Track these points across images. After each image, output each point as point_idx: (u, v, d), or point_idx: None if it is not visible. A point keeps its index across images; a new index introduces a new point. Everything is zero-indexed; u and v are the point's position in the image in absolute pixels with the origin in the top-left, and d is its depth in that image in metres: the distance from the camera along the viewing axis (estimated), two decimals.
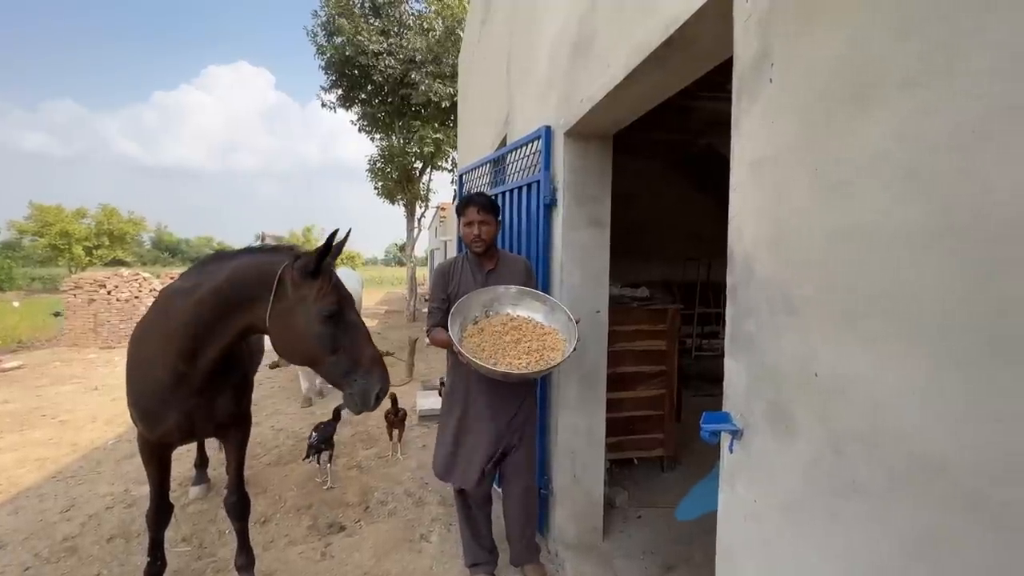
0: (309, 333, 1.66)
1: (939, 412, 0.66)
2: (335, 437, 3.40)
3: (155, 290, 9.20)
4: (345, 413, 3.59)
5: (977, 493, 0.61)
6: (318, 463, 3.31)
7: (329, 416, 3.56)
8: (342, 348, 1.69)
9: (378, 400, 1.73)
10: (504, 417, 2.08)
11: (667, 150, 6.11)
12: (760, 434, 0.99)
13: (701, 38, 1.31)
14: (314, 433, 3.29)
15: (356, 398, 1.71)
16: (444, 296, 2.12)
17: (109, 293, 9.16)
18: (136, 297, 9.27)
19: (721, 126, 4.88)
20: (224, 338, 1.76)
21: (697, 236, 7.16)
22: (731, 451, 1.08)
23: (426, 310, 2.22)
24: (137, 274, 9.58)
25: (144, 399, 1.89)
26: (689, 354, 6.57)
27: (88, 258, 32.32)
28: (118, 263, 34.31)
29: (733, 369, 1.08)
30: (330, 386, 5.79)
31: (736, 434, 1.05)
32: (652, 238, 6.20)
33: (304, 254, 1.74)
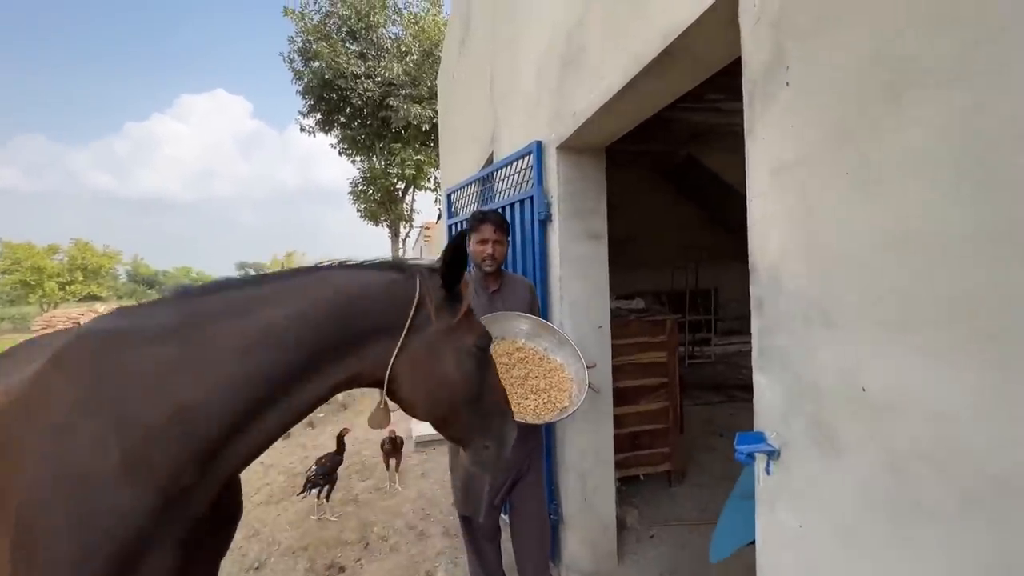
0: (459, 376, 1.16)
1: (1010, 427, 0.61)
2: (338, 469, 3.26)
3: None
4: (347, 441, 3.43)
5: None
6: (317, 498, 3.15)
7: (317, 447, 3.41)
8: (484, 394, 1.24)
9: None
10: (517, 443, 1.99)
11: (650, 161, 6.18)
12: (801, 454, 0.93)
13: (702, 45, 1.29)
14: (314, 466, 3.14)
15: (491, 456, 1.28)
16: None
17: None
18: None
19: (701, 136, 4.98)
20: (297, 407, 1.04)
21: (683, 244, 7.23)
22: (768, 473, 1.01)
23: None
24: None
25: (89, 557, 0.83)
26: (683, 362, 6.55)
27: (61, 293, 31.30)
28: (92, 298, 33.25)
29: (764, 385, 1.02)
30: (321, 415, 5.66)
31: (773, 454, 0.99)
32: (638, 248, 6.22)
33: (430, 268, 1.20)
